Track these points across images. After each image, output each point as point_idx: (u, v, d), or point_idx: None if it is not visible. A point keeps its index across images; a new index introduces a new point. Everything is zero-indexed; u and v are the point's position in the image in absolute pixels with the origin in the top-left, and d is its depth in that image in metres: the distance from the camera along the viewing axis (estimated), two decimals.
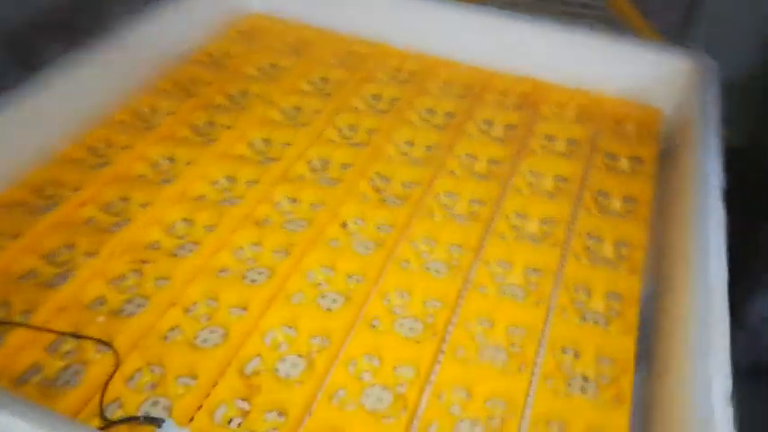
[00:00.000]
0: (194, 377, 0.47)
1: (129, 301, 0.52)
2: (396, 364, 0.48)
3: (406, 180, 0.64)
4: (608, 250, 0.58)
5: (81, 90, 0.66)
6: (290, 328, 0.51)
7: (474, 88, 0.76)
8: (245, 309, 0.51)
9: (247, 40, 0.83)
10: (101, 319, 0.49)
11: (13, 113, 0.60)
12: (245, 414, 0.45)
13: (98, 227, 0.57)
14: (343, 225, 0.59)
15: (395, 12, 0.82)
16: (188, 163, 0.64)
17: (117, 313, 0.51)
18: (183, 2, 0.78)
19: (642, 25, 1.10)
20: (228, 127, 0.69)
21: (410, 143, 0.69)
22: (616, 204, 0.63)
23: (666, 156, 0.68)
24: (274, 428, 0.44)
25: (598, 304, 0.54)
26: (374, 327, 0.51)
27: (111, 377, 0.44)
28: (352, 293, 0.53)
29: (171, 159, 0.65)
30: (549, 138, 0.70)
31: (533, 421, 0.45)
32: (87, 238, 0.55)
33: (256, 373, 0.47)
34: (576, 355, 0.50)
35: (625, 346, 0.49)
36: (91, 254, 0.54)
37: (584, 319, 0.53)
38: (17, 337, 0.47)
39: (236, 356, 0.48)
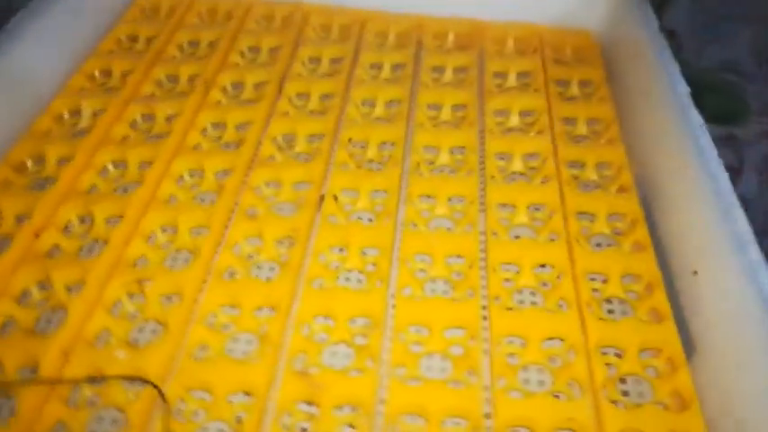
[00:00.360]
0: (245, 391, 0.43)
1: (137, 329, 0.46)
2: (444, 327, 0.47)
3: (381, 141, 0.61)
4: (592, 174, 0.60)
5: None
6: (324, 317, 0.48)
7: (410, 36, 0.74)
8: (270, 308, 0.47)
9: (154, 19, 0.75)
10: (121, 354, 0.43)
11: None
12: (313, 417, 0.42)
13: (68, 255, 0.50)
14: (335, 198, 0.56)
15: None
16: (142, 163, 0.57)
17: (132, 344, 0.45)
18: None
19: None
20: (171, 117, 0.62)
21: (368, 102, 0.66)
22: (583, 129, 0.64)
23: (611, 75, 0.70)
24: (351, 426, 0.42)
25: (604, 228, 0.55)
26: (408, 296, 0.49)
27: (168, 413, 0.40)
28: (372, 267, 0.51)
29: (120, 164, 0.58)
30: (500, 75, 0.70)
31: (593, 352, 0.45)
32: (61, 270, 0.48)
33: (305, 370, 0.44)
34: (604, 281, 0.51)
35: (646, 262, 0.51)
36: (73, 287, 0.48)
37: (596, 244, 0.54)
38: (29, 397, 0.41)
39: (282, 359, 0.44)
